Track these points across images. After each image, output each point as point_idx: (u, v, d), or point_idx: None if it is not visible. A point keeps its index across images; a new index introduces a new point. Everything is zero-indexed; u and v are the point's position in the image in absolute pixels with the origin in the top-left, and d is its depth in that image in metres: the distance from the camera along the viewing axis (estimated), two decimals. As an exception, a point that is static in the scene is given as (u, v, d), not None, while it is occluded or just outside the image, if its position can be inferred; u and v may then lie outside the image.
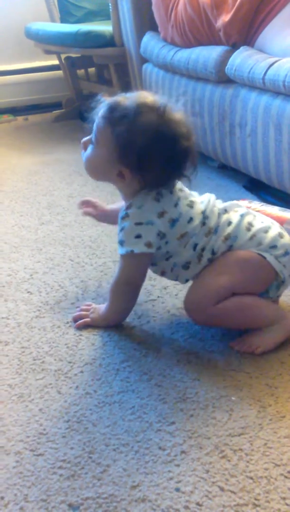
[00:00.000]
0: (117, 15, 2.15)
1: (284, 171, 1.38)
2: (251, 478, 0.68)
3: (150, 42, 1.97)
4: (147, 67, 2.04)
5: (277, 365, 0.89)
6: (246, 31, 1.53)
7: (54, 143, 2.38)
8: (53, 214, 1.57)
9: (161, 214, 0.90)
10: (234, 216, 0.94)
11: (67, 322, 1.03)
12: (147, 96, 0.87)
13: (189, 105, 1.64)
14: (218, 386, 0.85)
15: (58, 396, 0.84)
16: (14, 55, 2.94)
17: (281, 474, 0.69)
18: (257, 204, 1.32)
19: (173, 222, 0.91)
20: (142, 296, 1.05)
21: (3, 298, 1.13)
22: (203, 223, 0.92)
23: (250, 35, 1.53)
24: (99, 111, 0.90)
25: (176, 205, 0.91)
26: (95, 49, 2.27)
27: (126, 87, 2.13)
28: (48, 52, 2.62)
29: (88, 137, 0.94)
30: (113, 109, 0.87)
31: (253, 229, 0.93)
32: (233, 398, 0.82)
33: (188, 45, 1.74)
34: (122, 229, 0.91)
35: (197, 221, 0.92)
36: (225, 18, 1.53)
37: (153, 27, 1.98)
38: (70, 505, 0.66)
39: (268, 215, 1.05)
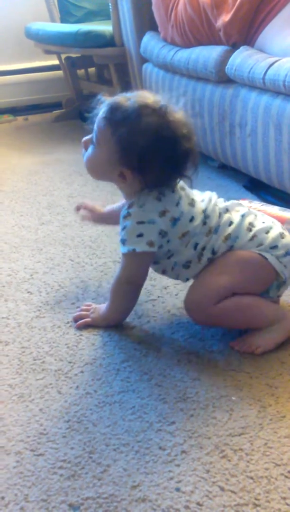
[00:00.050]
0: (117, 15, 2.15)
1: (284, 171, 1.38)
2: (252, 478, 0.68)
3: (150, 42, 1.97)
4: (147, 67, 2.04)
5: (277, 365, 0.89)
6: (246, 31, 1.53)
7: (54, 143, 2.38)
8: (53, 214, 1.57)
9: (162, 213, 0.90)
10: (235, 216, 0.94)
11: (67, 322, 1.03)
12: (147, 97, 0.87)
13: (189, 105, 1.64)
14: (218, 386, 0.85)
15: (59, 396, 0.84)
16: (14, 55, 2.94)
17: (282, 474, 0.69)
18: (257, 204, 1.32)
19: (175, 221, 0.91)
20: (142, 296, 1.05)
21: (3, 298, 1.13)
22: (204, 223, 0.92)
23: (250, 35, 1.53)
24: (100, 112, 0.89)
25: (177, 204, 0.91)
26: (95, 49, 2.27)
27: (126, 87, 2.12)
28: (48, 52, 2.62)
29: (89, 136, 0.93)
30: (114, 109, 0.87)
31: (254, 230, 0.93)
32: (233, 398, 0.82)
33: (188, 45, 1.74)
34: (124, 228, 0.91)
35: (198, 220, 0.92)
36: (225, 18, 1.53)
37: (153, 27, 1.98)
38: (70, 505, 0.66)
39: (268, 215, 1.05)
